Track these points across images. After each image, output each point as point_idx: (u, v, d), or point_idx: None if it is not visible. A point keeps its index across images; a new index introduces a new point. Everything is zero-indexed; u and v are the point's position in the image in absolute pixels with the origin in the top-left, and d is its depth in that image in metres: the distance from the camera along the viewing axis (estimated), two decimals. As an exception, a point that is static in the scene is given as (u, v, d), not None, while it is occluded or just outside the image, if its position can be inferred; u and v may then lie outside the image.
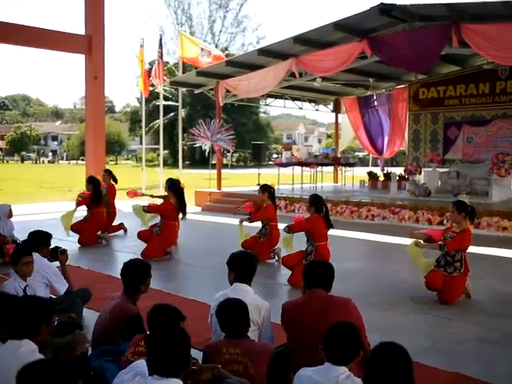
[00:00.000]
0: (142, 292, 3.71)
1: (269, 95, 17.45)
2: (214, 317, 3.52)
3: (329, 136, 60.97)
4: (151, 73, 17.42)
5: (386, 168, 18.09)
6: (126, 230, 10.22)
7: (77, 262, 7.26)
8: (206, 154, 15.79)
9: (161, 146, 18.81)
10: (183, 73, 17.59)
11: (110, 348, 3.35)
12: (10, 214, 7.84)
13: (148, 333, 2.94)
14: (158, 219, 8.51)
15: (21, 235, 7.69)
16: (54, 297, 4.71)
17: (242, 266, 3.69)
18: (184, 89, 19.59)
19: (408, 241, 9.17)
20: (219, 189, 15.75)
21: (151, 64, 43.75)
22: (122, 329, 3.35)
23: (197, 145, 16.35)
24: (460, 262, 5.57)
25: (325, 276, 3.41)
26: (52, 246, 4.98)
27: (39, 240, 4.85)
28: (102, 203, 9.33)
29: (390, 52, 11.04)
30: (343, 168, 18.45)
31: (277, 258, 7.69)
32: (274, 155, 32.85)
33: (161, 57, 17.19)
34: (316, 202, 6.52)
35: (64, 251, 4.83)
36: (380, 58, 11.50)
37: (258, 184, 9.88)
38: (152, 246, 8.00)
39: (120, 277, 3.76)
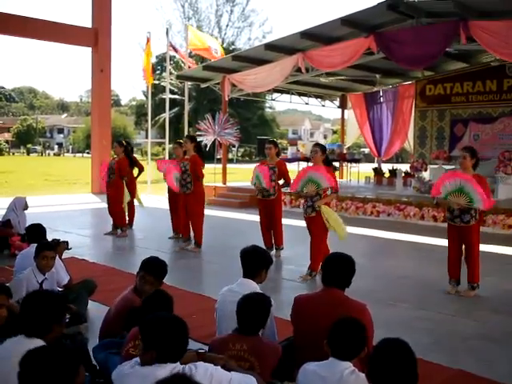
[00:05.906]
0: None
1: (275, 90, 17.39)
2: (219, 311, 3.53)
3: (334, 132, 60.73)
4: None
5: (386, 166, 17.97)
6: (131, 226, 10.17)
7: (82, 255, 7.30)
8: (207, 149, 15.73)
9: (166, 139, 18.81)
10: (189, 66, 17.59)
11: (114, 340, 3.36)
12: (26, 207, 7.98)
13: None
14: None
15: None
16: (60, 289, 4.73)
17: (248, 261, 3.69)
18: (190, 83, 19.57)
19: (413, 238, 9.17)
20: (224, 183, 15.76)
21: (158, 57, 43.80)
22: (126, 321, 3.33)
23: (198, 139, 16.28)
24: (475, 209, 5.51)
25: (344, 273, 3.21)
26: (59, 238, 5.00)
27: (38, 232, 4.89)
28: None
29: (395, 49, 10.97)
30: (349, 164, 18.40)
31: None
32: (285, 150, 32.42)
33: (174, 49, 17.32)
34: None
35: (59, 243, 4.78)
36: (385, 54, 11.44)
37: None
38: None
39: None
